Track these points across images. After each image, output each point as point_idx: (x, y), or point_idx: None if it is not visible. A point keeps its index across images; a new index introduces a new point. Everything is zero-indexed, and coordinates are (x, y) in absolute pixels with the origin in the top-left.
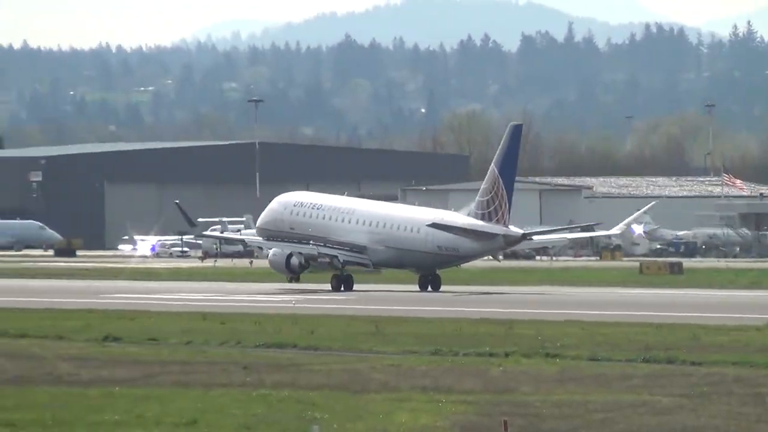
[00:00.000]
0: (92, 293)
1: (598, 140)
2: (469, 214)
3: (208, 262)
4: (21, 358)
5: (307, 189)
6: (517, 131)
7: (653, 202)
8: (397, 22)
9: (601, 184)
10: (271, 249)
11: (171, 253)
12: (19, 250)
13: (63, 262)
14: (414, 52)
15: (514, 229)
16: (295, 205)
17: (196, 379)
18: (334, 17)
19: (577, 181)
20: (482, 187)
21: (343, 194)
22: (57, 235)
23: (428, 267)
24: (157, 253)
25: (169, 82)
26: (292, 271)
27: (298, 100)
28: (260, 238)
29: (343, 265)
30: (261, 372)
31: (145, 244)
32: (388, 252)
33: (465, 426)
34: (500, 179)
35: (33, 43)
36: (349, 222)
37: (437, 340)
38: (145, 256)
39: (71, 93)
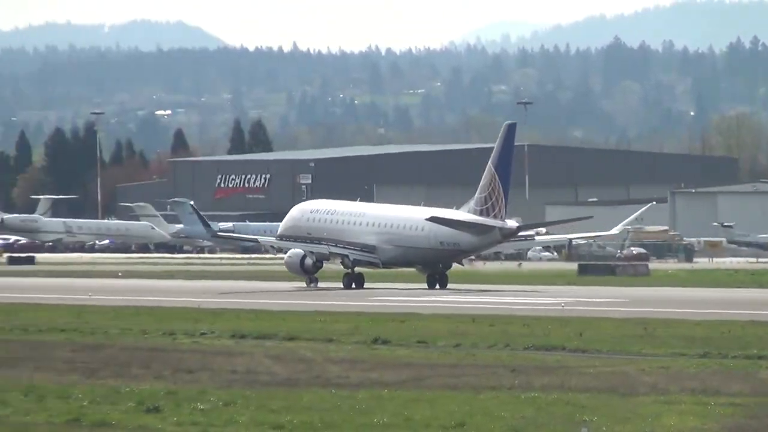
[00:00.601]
0: (361, 296)
1: None
2: (469, 211)
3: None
4: (290, 360)
5: (576, 192)
6: (511, 130)
7: (651, 203)
8: (666, 25)
9: None
10: (282, 249)
11: None
12: None
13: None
14: (683, 54)
15: (511, 223)
16: (311, 212)
17: (465, 382)
18: (603, 19)
19: None
20: (480, 183)
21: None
22: None
23: (433, 263)
24: None
25: (438, 84)
26: (306, 272)
27: (567, 103)
28: (273, 239)
29: (353, 263)
30: (529, 374)
31: None
32: (396, 250)
33: (733, 429)
34: (496, 176)
35: (302, 46)
36: (360, 224)
37: (706, 342)
38: None
39: (340, 95)
